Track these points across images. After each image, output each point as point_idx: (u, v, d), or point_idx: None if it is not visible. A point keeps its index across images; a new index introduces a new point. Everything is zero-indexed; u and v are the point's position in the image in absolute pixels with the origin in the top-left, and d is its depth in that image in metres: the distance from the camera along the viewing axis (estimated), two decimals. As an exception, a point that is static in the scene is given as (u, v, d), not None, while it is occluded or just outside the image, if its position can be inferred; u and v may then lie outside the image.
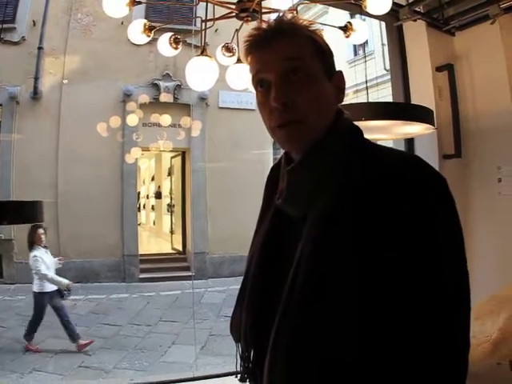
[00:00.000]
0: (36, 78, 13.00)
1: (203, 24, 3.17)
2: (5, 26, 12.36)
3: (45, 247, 8.15)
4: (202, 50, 2.99)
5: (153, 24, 3.26)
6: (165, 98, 13.80)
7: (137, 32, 3.19)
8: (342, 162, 1.25)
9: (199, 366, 7.08)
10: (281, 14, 1.35)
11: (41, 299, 7.92)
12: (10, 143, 12.47)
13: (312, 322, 1.16)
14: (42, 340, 8.25)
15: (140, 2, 3.01)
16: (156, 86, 13.92)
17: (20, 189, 11.97)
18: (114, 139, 13.12)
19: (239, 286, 1.46)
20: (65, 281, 8.06)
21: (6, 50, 12.22)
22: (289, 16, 1.34)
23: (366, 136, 1.35)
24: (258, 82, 1.33)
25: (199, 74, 2.98)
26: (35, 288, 7.92)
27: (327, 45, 1.35)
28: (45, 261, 7.94)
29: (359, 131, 1.35)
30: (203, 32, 3.17)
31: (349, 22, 3.30)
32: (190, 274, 12.93)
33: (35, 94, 13.00)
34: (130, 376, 7.15)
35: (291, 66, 1.27)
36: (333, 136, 1.30)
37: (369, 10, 3.06)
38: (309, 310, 1.16)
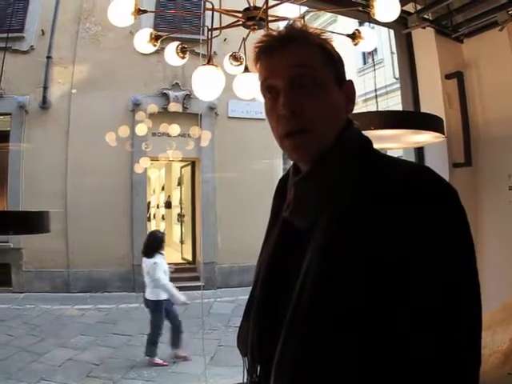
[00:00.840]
0: (45, 88, 13.07)
1: (209, 33, 3.16)
2: (14, 35, 12.46)
3: (162, 254, 7.97)
4: (209, 59, 2.97)
5: (159, 33, 3.25)
6: (174, 107, 13.80)
7: (143, 41, 3.17)
8: (350, 173, 1.23)
9: (208, 377, 7.04)
10: (291, 22, 1.33)
11: (159, 307, 7.75)
12: (19, 153, 12.51)
13: (318, 335, 1.13)
14: (49, 350, 8.23)
15: (145, 11, 2.99)
16: (165, 96, 13.93)
17: (29, 198, 11.99)
18: (122, 149, 13.12)
19: (247, 299, 1.44)
20: (182, 297, 7.82)
21: (14, 59, 12.23)
22: (299, 24, 1.32)
23: (376, 145, 1.33)
24: (266, 88, 1.31)
25: (205, 84, 2.96)
26: (151, 296, 7.74)
27: (338, 53, 1.33)
28: (164, 268, 7.81)
29: (368, 141, 1.33)
30: (209, 41, 3.15)
31: (357, 30, 3.27)
32: (200, 283, 12.90)
33: (44, 104, 13.06)
34: (139, 387, 7.14)
35: (300, 72, 1.25)
36: (341, 146, 1.28)
37: (377, 17, 3.03)
38: (315, 322, 1.14)
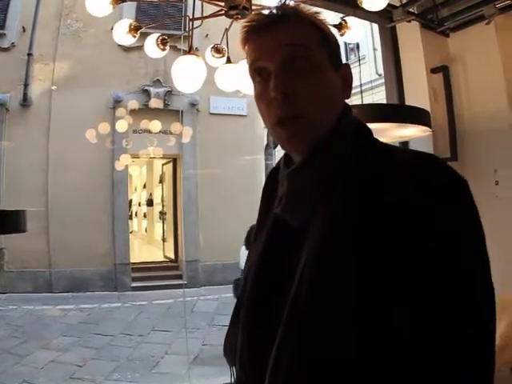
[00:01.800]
0: (25, 85, 12.95)
1: (191, 23, 3.08)
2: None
3: None
4: (189, 49, 2.89)
5: (139, 25, 3.16)
6: (155, 104, 13.71)
7: (122, 32, 3.08)
8: (349, 164, 1.13)
9: (192, 377, 6.98)
10: (282, 1, 1.24)
11: None
12: (0, 151, 12.35)
13: (317, 336, 1.04)
14: (31, 351, 8.12)
15: (124, 1, 2.92)
16: (146, 92, 13.83)
17: (9, 197, 11.81)
18: (103, 146, 13.04)
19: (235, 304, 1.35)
20: None
21: (-5, 57, 12.19)
22: (292, 3, 1.24)
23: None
24: (255, 70, 1.21)
25: (186, 75, 2.88)
26: None
27: (333, 34, 1.25)
28: None
29: (368, 130, 1.24)
30: (191, 32, 3.08)
31: (343, 20, 3.21)
32: (182, 282, 12.83)
33: (25, 101, 12.94)
34: (122, 387, 7.06)
35: (293, 53, 1.15)
36: (338, 135, 1.18)
37: (364, 5, 2.97)
38: (313, 324, 1.05)
